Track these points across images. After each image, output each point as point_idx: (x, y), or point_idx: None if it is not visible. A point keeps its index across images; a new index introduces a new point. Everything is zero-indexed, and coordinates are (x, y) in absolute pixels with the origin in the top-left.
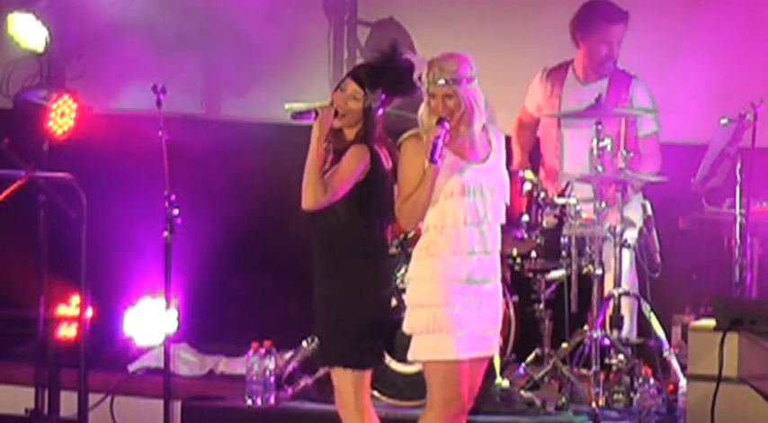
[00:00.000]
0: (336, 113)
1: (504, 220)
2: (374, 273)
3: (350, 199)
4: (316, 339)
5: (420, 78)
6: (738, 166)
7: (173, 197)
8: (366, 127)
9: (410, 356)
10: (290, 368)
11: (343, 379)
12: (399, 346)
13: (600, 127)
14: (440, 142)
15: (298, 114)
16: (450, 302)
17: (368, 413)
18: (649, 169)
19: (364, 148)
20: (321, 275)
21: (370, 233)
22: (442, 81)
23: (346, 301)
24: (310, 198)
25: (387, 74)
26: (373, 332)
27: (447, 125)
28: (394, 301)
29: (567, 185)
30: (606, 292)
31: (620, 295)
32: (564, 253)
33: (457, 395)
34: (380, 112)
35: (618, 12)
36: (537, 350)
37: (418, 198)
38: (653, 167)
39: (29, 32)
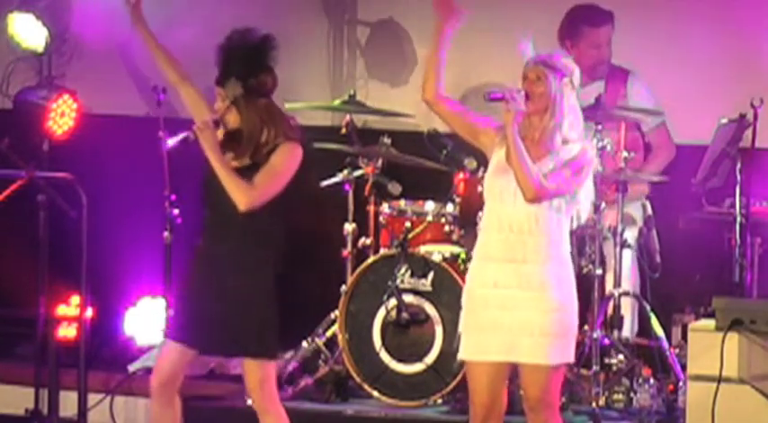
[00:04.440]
0: (218, 124)
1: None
2: (278, 265)
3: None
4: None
5: None
6: (738, 166)
7: (173, 197)
8: (242, 114)
9: None
10: (290, 368)
11: (270, 370)
12: (400, 347)
13: (600, 128)
14: (508, 95)
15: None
16: (472, 306)
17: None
18: (663, 160)
19: (296, 146)
20: (238, 267)
21: (282, 226)
22: (535, 61)
23: (270, 294)
24: (242, 201)
25: (227, 61)
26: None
27: (525, 99)
28: (393, 302)
29: None
30: (606, 292)
31: (620, 295)
32: None
33: (472, 396)
34: (263, 97)
35: (602, 14)
36: None
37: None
38: (667, 158)
39: (29, 32)
